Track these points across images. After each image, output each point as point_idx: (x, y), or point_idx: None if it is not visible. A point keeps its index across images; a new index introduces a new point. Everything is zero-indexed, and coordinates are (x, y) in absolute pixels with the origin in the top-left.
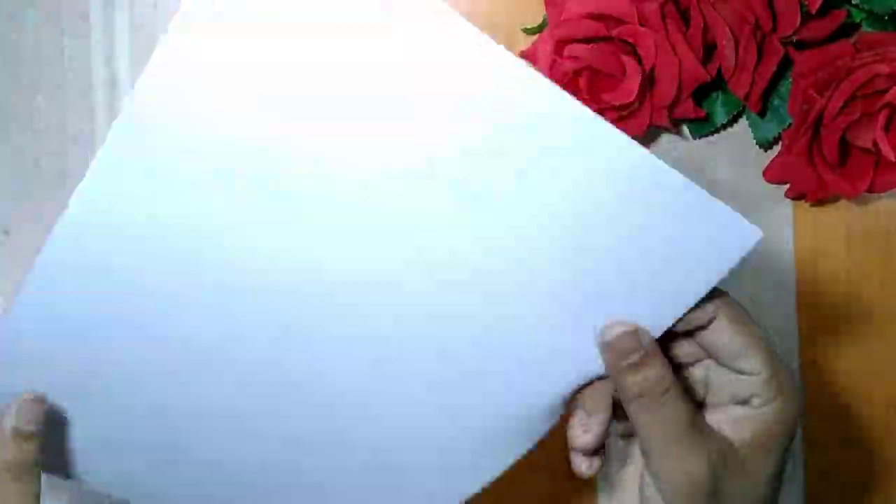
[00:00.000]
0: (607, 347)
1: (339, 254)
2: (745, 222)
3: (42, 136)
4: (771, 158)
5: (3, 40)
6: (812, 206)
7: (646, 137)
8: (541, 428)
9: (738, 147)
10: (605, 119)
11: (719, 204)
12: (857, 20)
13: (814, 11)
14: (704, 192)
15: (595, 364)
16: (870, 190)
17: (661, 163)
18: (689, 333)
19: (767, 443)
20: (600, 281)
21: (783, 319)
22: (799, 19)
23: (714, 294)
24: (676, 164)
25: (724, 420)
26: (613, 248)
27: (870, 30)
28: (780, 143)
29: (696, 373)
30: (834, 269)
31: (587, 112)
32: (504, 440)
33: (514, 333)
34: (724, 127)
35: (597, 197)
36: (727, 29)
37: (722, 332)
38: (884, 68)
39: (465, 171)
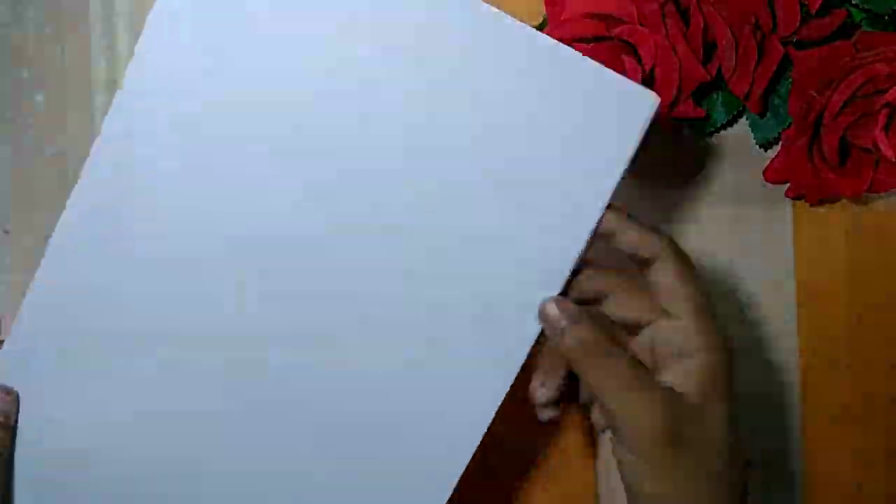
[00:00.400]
0: (541, 321)
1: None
2: (640, 87)
3: (42, 136)
4: (771, 158)
5: (3, 40)
6: (812, 206)
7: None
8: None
9: (738, 147)
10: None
11: (610, 73)
12: (857, 20)
13: (814, 11)
14: (594, 64)
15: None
16: (870, 190)
17: (544, 38)
18: (640, 269)
19: (714, 390)
20: (523, 182)
21: (783, 319)
22: (799, 19)
23: (664, 236)
24: (676, 164)
25: (672, 375)
26: (527, 145)
27: (870, 29)
28: (780, 143)
29: (642, 340)
30: (834, 269)
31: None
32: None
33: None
34: (724, 127)
35: (498, 93)
36: (727, 29)
37: (664, 272)
38: (884, 68)
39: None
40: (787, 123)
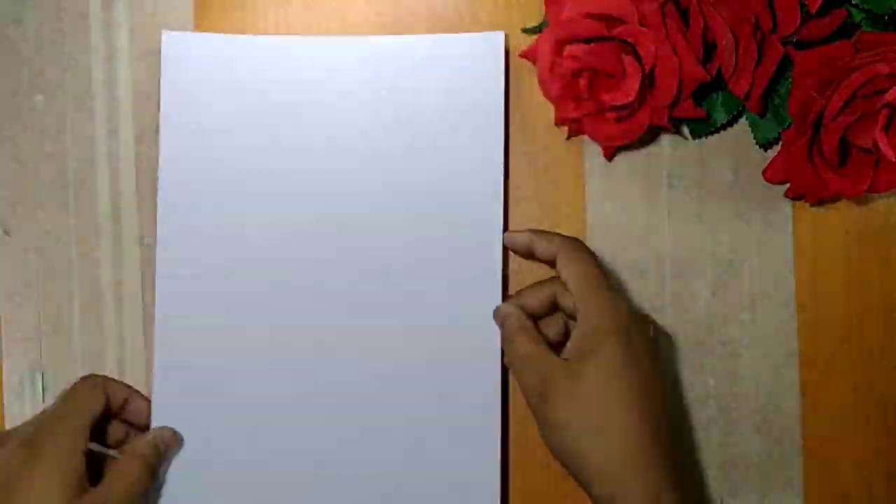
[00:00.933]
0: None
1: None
2: (482, 34)
3: (42, 136)
4: (771, 158)
5: (3, 40)
6: (812, 206)
7: (645, 137)
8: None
9: (738, 147)
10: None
11: (450, 36)
12: (857, 20)
13: (814, 11)
14: (432, 36)
15: None
16: (870, 190)
17: (388, 39)
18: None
19: (590, 349)
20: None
21: (783, 320)
22: (799, 19)
23: (556, 237)
24: (676, 164)
25: (570, 341)
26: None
27: (870, 30)
28: (780, 143)
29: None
30: (834, 269)
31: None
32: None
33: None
34: (724, 127)
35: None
36: (727, 29)
37: (561, 263)
38: (884, 68)
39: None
40: (787, 124)
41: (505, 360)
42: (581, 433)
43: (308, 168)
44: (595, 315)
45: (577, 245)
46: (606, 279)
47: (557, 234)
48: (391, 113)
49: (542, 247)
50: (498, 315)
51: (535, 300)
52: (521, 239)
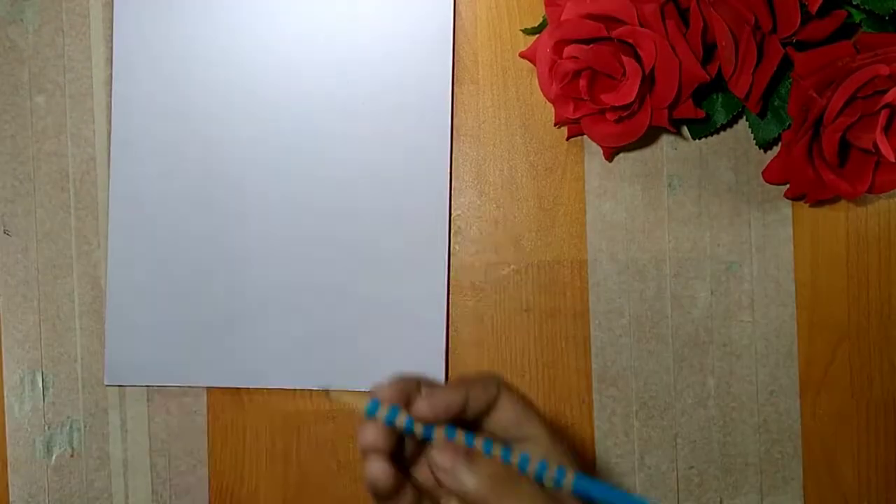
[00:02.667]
0: (435, 470)
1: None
2: None
3: (42, 136)
4: (771, 159)
5: (3, 40)
6: (812, 206)
7: (645, 138)
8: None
9: (738, 147)
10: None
11: None
12: (858, 21)
13: (814, 12)
14: None
15: None
16: (870, 191)
17: None
18: (478, 421)
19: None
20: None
21: (783, 320)
22: (799, 20)
23: (497, 381)
24: (676, 164)
25: None
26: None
27: (870, 30)
28: (780, 143)
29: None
30: (834, 269)
31: None
32: None
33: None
34: (724, 127)
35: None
36: (727, 29)
37: (507, 409)
38: (884, 69)
39: None
40: (787, 124)
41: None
42: None
43: (262, 85)
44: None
45: (498, 379)
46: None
47: (491, 378)
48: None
49: (478, 393)
50: (484, 466)
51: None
52: (438, 402)
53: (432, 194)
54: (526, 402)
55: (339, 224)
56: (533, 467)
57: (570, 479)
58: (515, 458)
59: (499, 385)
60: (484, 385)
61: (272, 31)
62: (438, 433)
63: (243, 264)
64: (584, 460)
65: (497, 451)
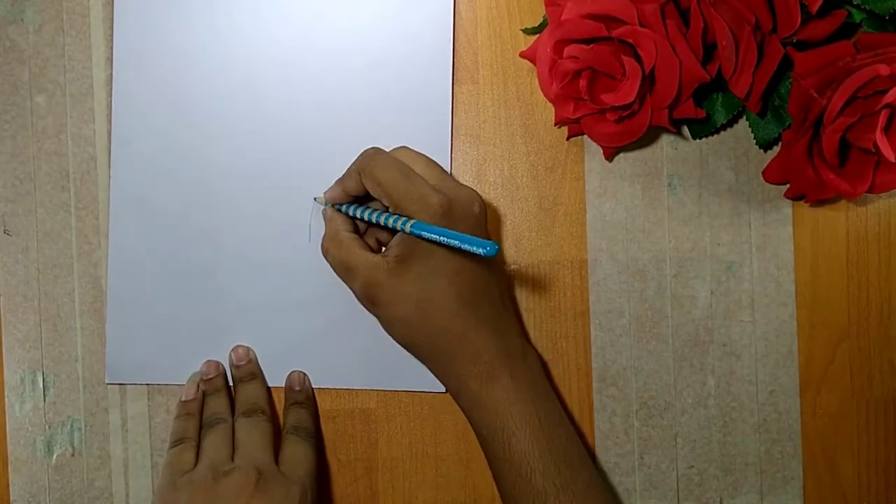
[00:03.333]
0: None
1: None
2: None
3: (42, 136)
4: (771, 159)
5: (3, 40)
6: (812, 206)
7: (646, 138)
8: None
9: (739, 147)
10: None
11: None
12: (858, 21)
13: (814, 12)
14: None
15: None
16: (870, 191)
17: None
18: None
19: (407, 256)
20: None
21: (783, 320)
22: (799, 20)
23: (358, 169)
24: (676, 164)
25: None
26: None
27: (870, 30)
28: (780, 143)
29: None
30: (834, 269)
31: None
32: None
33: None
34: (725, 127)
35: None
36: (727, 29)
37: (371, 187)
38: (884, 69)
39: None
40: (788, 124)
41: (328, 258)
42: (408, 327)
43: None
44: (408, 214)
45: (371, 155)
46: (413, 175)
47: (353, 161)
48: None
49: (350, 185)
50: (325, 213)
51: (353, 185)
52: (332, 193)
53: None
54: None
55: None
56: (379, 218)
57: (408, 226)
58: (365, 214)
59: (359, 171)
60: (349, 175)
61: (273, 31)
62: (330, 208)
63: (243, 263)
64: None
65: (357, 213)
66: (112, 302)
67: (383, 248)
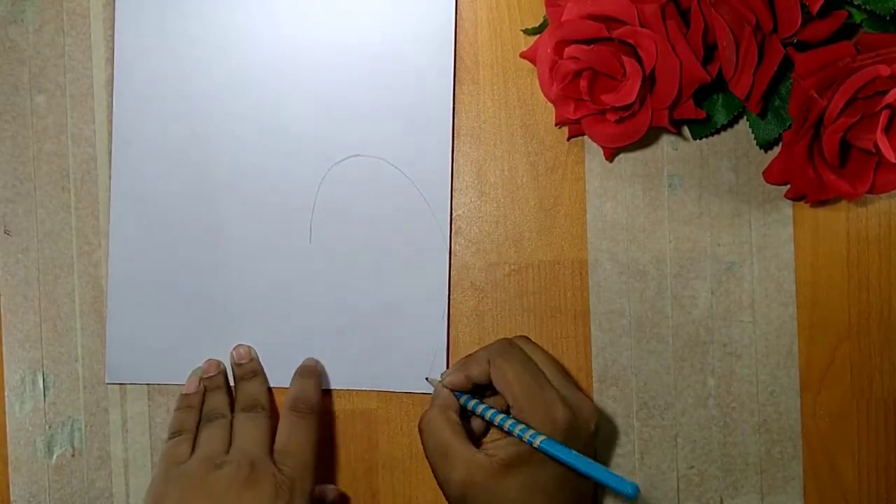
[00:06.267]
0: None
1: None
2: None
3: (42, 136)
4: (771, 159)
5: (3, 40)
6: (812, 206)
7: (646, 138)
8: None
9: (739, 148)
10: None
11: None
12: (858, 21)
13: (815, 12)
14: None
15: None
16: (870, 191)
17: None
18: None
19: (516, 460)
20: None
21: (783, 320)
22: (800, 20)
23: (488, 356)
24: (677, 164)
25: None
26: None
27: (871, 31)
28: (781, 144)
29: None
30: (834, 269)
31: None
32: None
33: None
34: (725, 128)
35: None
36: (728, 30)
37: (496, 381)
38: (884, 69)
39: None
40: (788, 125)
41: (424, 435)
42: None
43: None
44: (531, 422)
45: (506, 349)
46: (543, 380)
47: (484, 348)
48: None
49: (476, 370)
50: (435, 392)
51: (479, 373)
52: (455, 379)
53: (434, 194)
54: (509, 375)
55: (340, 224)
56: (503, 423)
57: (537, 441)
58: (487, 414)
59: (489, 360)
60: (476, 362)
61: (273, 32)
62: (445, 392)
63: (244, 263)
64: None
65: (478, 409)
66: (112, 302)
67: (481, 440)
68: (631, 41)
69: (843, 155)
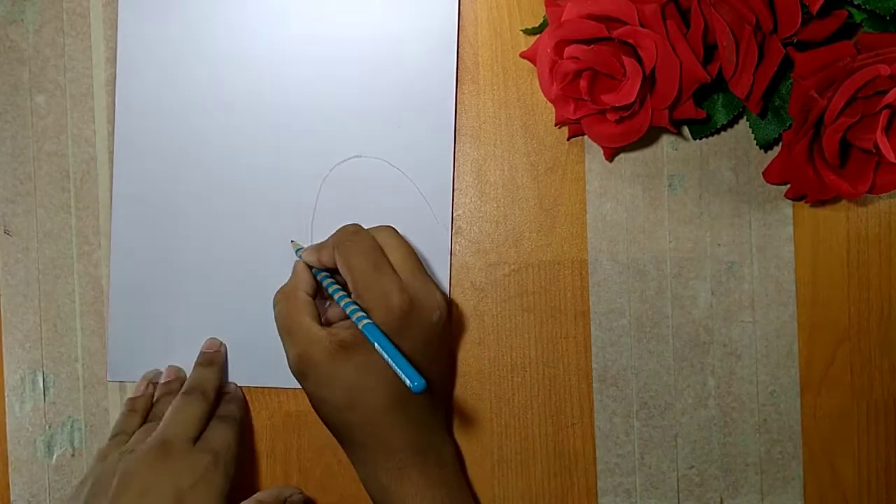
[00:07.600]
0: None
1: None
2: None
3: (42, 136)
4: (771, 159)
5: (3, 40)
6: (812, 206)
7: (646, 138)
8: None
9: (739, 148)
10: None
11: None
12: (858, 21)
13: (815, 12)
14: None
15: None
16: (871, 191)
17: None
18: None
19: (352, 339)
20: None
21: (783, 320)
22: (800, 20)
23: (333, 244)
24: (677, 164)
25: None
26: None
27: (871, 30)
28: (781, 143)
29: None
30: (834, 269)
31: None
32: None
33: None
34: (725, 128)
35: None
36: (728, 30)
37: (340, 266)
38: (885, 69)
39: None
40: (788, 124)
41: (274, 310)
42: (334, 409)
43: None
44: (367, 306)
45: (351, 236)
46: (386, 268)
47: (333, 234)
48: None
49: (325, 254)
50: (296, 265)
51: (328, 258)
52: (308, 256)
53: (435, 195)
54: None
55: (341, 224)
56: (340, 301)
57: (361, 323)
58: (329, 289)
59: (334, 248)
60: (325, 247)
61: (276, 32)
62: (301, 270)
63: (245, 263)
64: (584, 460)
65: (324, 283)
66: (113, 301)
67: (332, 323)
68: (631, 41)
69: (843, 155)
